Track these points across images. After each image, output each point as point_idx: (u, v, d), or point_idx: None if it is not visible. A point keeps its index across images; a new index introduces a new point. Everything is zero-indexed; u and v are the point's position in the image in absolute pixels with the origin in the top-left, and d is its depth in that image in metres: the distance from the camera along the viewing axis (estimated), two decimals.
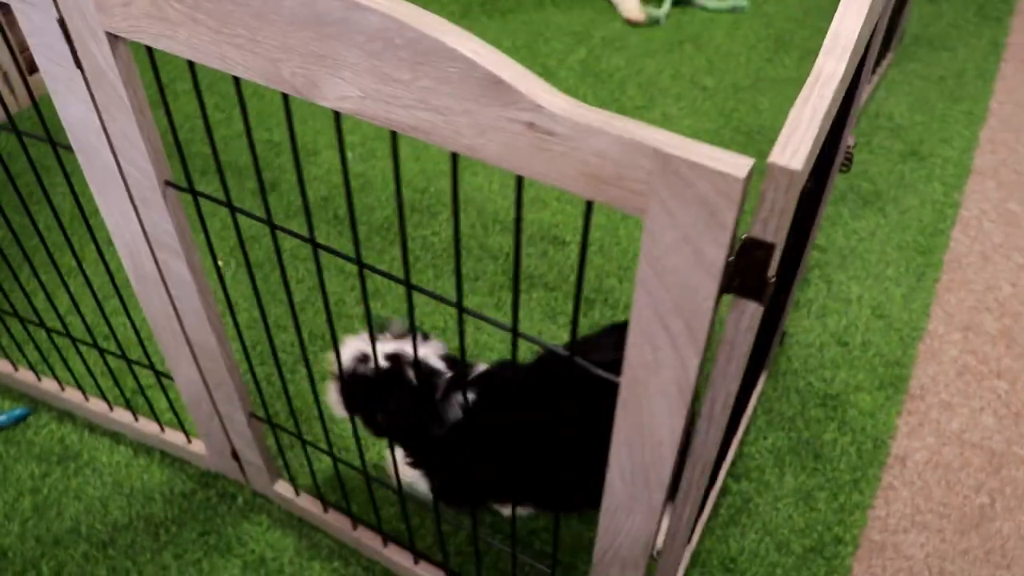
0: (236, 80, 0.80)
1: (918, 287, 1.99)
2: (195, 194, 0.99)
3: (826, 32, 0.81)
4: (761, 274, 0.67)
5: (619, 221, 2.09)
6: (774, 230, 0.65)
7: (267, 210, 0.90)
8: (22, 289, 1.47)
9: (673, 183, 0.62)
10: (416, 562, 1.40)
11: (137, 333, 1.37)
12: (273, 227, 0.93)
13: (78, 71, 0.94)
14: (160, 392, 1.67)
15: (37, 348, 1.59)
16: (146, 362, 1.58)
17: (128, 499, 1.56)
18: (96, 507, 1.55)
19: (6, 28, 2.23)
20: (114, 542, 1.50)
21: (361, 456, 1.20)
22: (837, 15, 0.81)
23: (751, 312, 0.71)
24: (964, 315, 1.95)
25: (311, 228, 0.88)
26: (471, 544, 1.48)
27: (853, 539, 1.52)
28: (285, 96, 0.76)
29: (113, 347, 1.75)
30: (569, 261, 1.98)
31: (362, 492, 1.54)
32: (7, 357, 1.71)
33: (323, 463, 1.59)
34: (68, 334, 1.47)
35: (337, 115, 0.75)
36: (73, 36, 0.90)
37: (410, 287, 0.86)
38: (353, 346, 1.27)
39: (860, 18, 0.79)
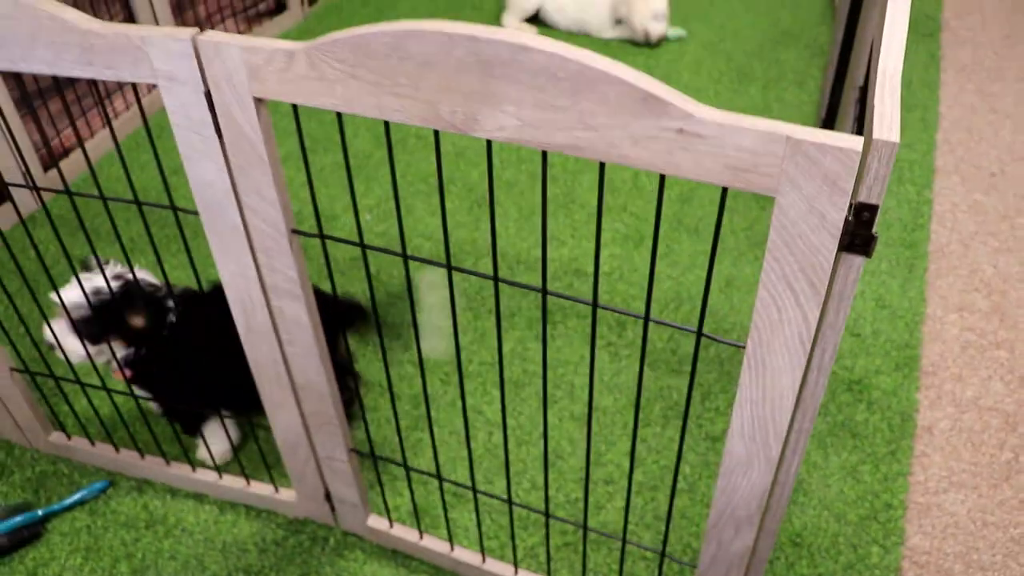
0: (386, 124, 0.93)
1: (911, 277, 2.17)
2: (323, 238, 1.12)
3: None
4: (868, 231, 0.82)
5: (633, 250, 2.25)
6: (878, 193, 0.80)
7: (403, 241, 1.03)
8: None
9: (802, 163, 0.76)
10: (516, 571, 1.50)
11: None
12: (406, 257, 1.06)
13: (216, 137, 1.06)
14: (234, 447, 1.76)
15: (121, 419, 1.67)
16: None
17: (222, 553, 1.64)
18: (193, 564, 1.63)
19: (41, 121, 2.32)
20: None
21: (472, 476, 1.31)
22: (886, 28, 0.97)
23: (857, 266, 0.85)
24: (956, 297, 2.13)
25: (449, 253, 1.01)
26: (567, 546, 1.59)
27: (901, 503, 1.66)
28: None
29: None
30: (592, 290, 2.12)
31: (456, 511, 1.65)
32: (85, 433, 1.79)
33: (418, 490, 1.69)
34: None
35: (489, 143, 0.88)
36: (217, 105, 1.03)
37: (545, 292, 0.99)
38: (74, 290, 1.48)
39: (905, 26, 0.95)
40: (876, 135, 0.77)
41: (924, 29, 3.36)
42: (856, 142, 0.75)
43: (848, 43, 1.98)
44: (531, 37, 0.79)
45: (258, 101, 1.01)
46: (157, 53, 1.00)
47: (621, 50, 3.19)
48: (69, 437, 1.78)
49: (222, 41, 0.96)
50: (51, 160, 2.51)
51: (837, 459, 1.73)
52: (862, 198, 0.80)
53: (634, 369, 1.92)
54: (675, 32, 3.25)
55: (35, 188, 1.27)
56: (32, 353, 1.99)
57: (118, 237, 1.22)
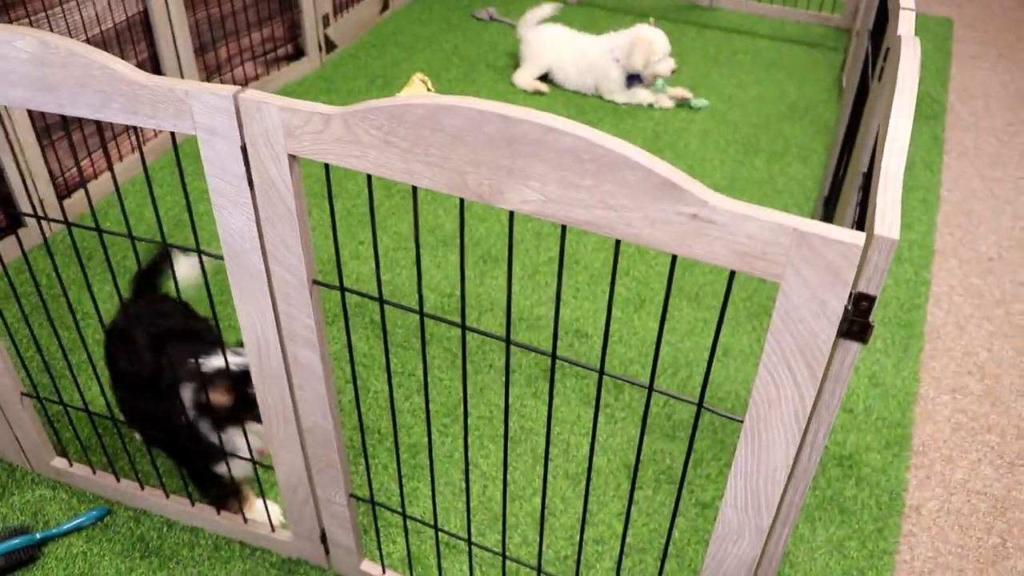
0: (414, 189, 0.98)
1: (906, 356, 2.21)
2: (343, 290, 1.16)
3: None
4: (865, 320, 0.86)
5: (633, 313, 2.29)
6: (876, 285, 0.85)
7: (420, 300, 1.08)
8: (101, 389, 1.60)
9: (807, 253, 0.81)
10: None
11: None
12: (422, 315, 1.10)
13: (248, 188, 1.11)
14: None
15: (125, 449, 1.70)
16: (242, 456, 1.70)
17: None
18: None
19: (50, 157, 2.37)
20: None
21: (468, 526, 1.34)
22: (891, 125, 1.03)
23: (854, 351, 0.90)
24: (950, 379, 2.17)
25: (464, 314, 1.05)
26: None
27: None
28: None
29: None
30: (594, 351, 2.17)
31: (448, 561, 1.67)
32: (87, 460, 1.82)
33: (412, 538, 1.72)
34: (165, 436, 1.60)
35: (511, 214, 0.93)
36: (251, 159, 1.08)
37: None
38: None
39: (909, 125, 1.01)
40: (877, 231, 0.82)
41: (928, 111, 3.44)
42: (858, 237, 0.80)
43: (854, 126, 2.05)
44: (559, 120, 0.85)
45: (291, 158, 1.06)
46: (199, 107, 1.06)
47: (631, 114, 3.27)
48: (71, 463, 1.80)
49: (263, 100, 1.01)
50: (66, 189, 2.57)
51: (824, 533, 1.76)
52: (861, 288, 0.85)
53: (628, 432, 1.95)
54: (698, 102, 3.34)
55: (67, 223, 1.31)
56: (41, 378, 2.02)
57: (138, 259, 1.27)
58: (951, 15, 4.37)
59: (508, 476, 1.86)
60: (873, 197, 0.91)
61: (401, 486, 1.37)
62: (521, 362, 2.13)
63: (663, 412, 2.01)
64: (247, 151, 1.08)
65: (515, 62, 3.60)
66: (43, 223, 2.44)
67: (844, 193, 1.68)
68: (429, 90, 3.31)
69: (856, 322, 0.86)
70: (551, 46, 3.39)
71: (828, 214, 2.15)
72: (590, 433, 1.95)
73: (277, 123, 1.02)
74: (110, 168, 1.22)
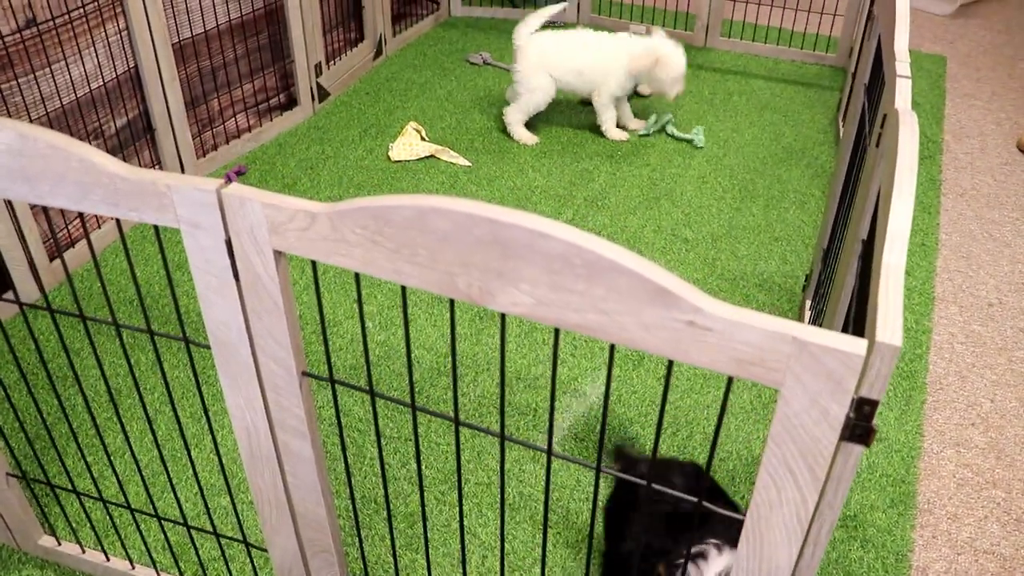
0: (403, 289, 0.96)
1: (908, 409, 2.18)
2: (334, 383, 1.13)
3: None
4: (868, 424, 0.84)
5: (631, 371, 2.27)
6: (879, 390, 0.82)
7: (412, 394, 1.05)
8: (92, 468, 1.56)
9: (807, 361, 0.79)
10: None
11: (233, 511, 1.47)
12: (415, 409, 1.08)
13: (234, 281, 1.09)
14: (229, 560, 1.75)
15: (114, 526, 1.67)
16: (234, 535, 1.67)
17: None
18: None
19: (40, 219, 2.35)
20: None
21: None
22: (891, 215, 1.00)
23: (856, 454, 0.87)
24: (953, 432, 2.14)
25: (456, 414, 1.03)
26: None
27: None
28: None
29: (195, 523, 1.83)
30: (592, 412, 2.14)
31: None
32: (75, 538, 1.78)
33: None
34: (156, 514, 1.56)
35: (503, 316, 0.91)
36: (236, 253, 1.06)
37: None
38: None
39: (909, 218, 0.98)
40: (879, 338, 0.80)
41: (925, 152, 3.43)
42: (860, 346, 0.77)
43: (849, 180, 2.03)
44: (549, 224, 0.82)
45: (277, 253, 1.03)
46: (182, 200, 1.03)
47: (626, 161, 3.25)
48: (59, 542, 1.77)
49: (246, 196, 0.99)
50: (56, 251, 2.54)
51: None
52: (863, 394, 0.82)
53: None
54: (699, 140, 3.34)
55: (49, 309, 1.29)
56: (26, 451, 1.99)
57: (126, 355, 1.24)
58: (944, 52, 4.37)
59: (509, 546, 1.82)
60: (874, 297, 0.88)
61: (396, 564, 1.34)
62: (519, 425, 2.09)
63: None
64: (231, 244, 1.05)
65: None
66: (24, 292, 2.41)
67: (844, 256, 1.66)
68: (423, 139, 3.30)
69: (859, 426, 0.84)
70: (550, 55, 3.25)
71: (826, 268, 2.12)
72: (590, 498, 1.92)
73: (261, 219, 1.00)
74: (88, 238, 1.20)
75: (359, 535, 1.32)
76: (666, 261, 2.69)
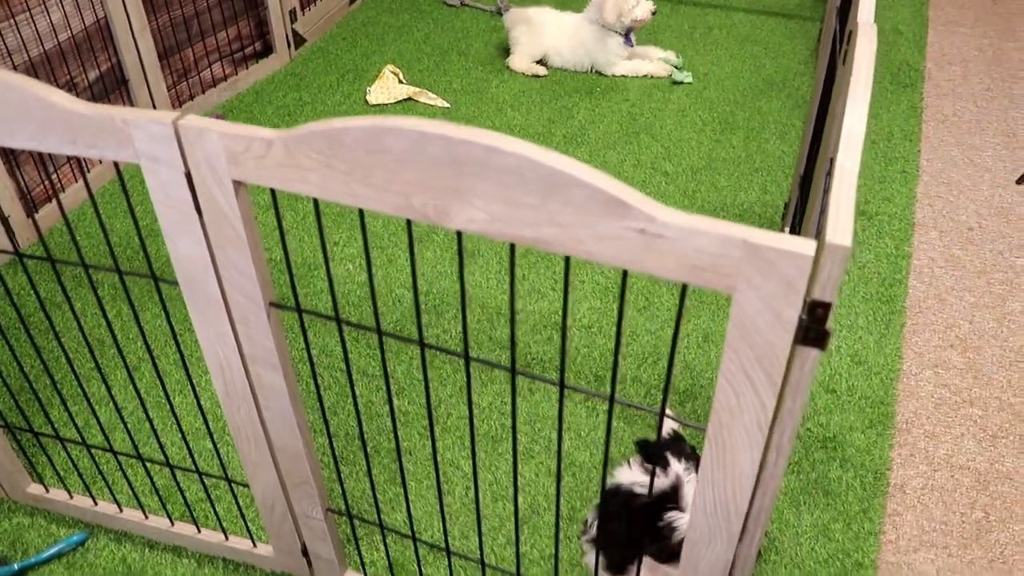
0: (361, 212, 0.96)
1: (887, 333, 2.20)
2: (300, 311, 1.14)
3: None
4: (821, 327, 0.85)
5: (613, 303, 2.28)
6: (831, 292, 0.83)
7: (377, 319, 1.06)
8: (74, 411, 1.57)
9: (759, 265, 0.79)
10: None
11: (212, 450, 1.49)
12: (380, 333, 1.08)
13: (196, 214, 1.09)
14: (215, 500, 1.77)
15: (100, 473, 1.68)
16: (216, 473, 1.68)
17: None
18: None
19: (18, 171, 2.35)
20: None
21: (445, 534, 1.33)
22: (845, 120, 1.00)
23: (812, 358, 0.88)
24: (932, 354, 2.16)
25: (421, 331, 1.03)
26: None
27: (872, 563, 1.68)
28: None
29: (176, 464, 1.85)
30: (573, 344, 2.15)
31: (430, 567, 1.66)
32: (63, 485, 1.80)
33: (394, 545, 1.71)
34: (138, 454, 1.58)
35: (459, 235, 0.91)
36: (197, 186, 1.06)
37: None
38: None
39: (863, 122, 0.98)
40: (829, 239, 0.80)
41: (906, 79, 3.41)
42: (809, 247, 0.78)
43: (824, 104, 2.03)
44: (502, 139, 0.82)
45: (237, 183, 1.03)
46: (140, 135, 1.03)
47: (605, 97, 3.23)
48: (47, 489, 1.79)
49: (203, 127, 0.99)
50: (32, 207, 2.54)
51: (809, 517, 1.76)
52: (816, 296, 0.83)
53: (612, 425, 1.94)
54: (681, 76, 3.32)
55: (17, 254, 1.29)
56: (10, 403, 2.00)
57: (98, 300, 1.25)
58: None
59: (492, 476, 1.84)
60: (828, 201, 0.88)
61: (376, 498, 1.36)
62: (501, 359, 2.11)
63: (645, 401, 2.00)
64: (191, 177, 1.05)
65: (488, 49, 3.56)
66: (8, 241, 2.41)
67: (816, 176, 1.66)
68: (401, 82, 3.27)
69: (813, 329, 0.85)
70: (546, 29, 3.36)
71: (804, 195, 2.13)
72: (571, 429, 1.94)
73: (219, 149, 1.00)
74: (57, 197, 1.19)
75: (337, 468, 1.34)
76: (646, 194, 2.68)
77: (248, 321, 1.19)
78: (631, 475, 1.42)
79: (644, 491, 1.39)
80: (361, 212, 0.96)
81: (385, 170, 0.90)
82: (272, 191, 1.02)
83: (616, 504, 1.42)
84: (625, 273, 0.86)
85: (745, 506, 1.01)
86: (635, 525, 1.37)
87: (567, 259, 0.87)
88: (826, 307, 0.83)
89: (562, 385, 0.99)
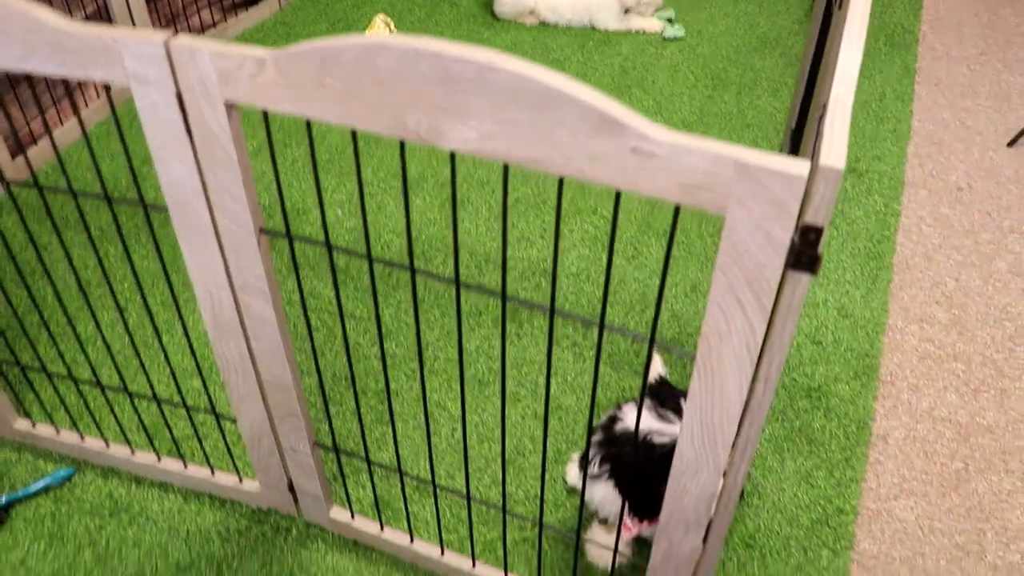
0: (354, 132, 0.95)
1: (874, 288, 2.21)
2: (291, 238, 1.14)
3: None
4: (813, 251, 0.85)
5: (601, 252, 2.28)
6: (823, 216, 0.83)
7: (368, 243, 1.06)
8: (59, 346, 1.57)
9: (750, 185, 0.79)
10: (474, 565, 1.53)
11: (201, 384, 1.49)
12: (371, 260, 1.08)
13: (187, 137, 1.08)
14: (202, 437, 1.78)
15: (87, 408, 1.69)
16: (204, 407, 1.69)
17: (186, 542, 1.66)
18: (157, 552, 1.64)
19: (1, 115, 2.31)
20: None
21: (432, 471, 1.34)
22: (841, 52, 1.00)
23: (803, 283, 0.88)
24: (918, 309, 2.17)
25: (412, 257, 1.03)
26: (524, 542, 1.62)
27: (852, 509, 1.70)
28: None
29: (162, 398, 1.85)
30: (562, 291, 2.15)
31: (416, 504, 1.67)
32: (50, 420, 1.80)
33: (381, 483, 1.72)
34: (126, 389, 1.58)
35: (452, 154, 0.91)
36: (188, 107, 1.05)
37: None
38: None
39: (859, 53, 0.98)
40: (823, 161, 0.80)
41: (900, 41, 3.41)
42: (802, 168, 0.78)
43: (819, 56, 2.02)
44: (495, 56, 0.82)
45: (229, 105, 1.02)
46: (130, 55, 1.02)
47: (598, 51, 3.21)
48: (34, 425, 1.79)
49: (194, 46, 0.98)
50: (19, 147, 2.51)
51: (793, 464, 1.78)
52: (808, 220, 0.83)
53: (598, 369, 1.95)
54: (672, 32, 3.30)
55: (3, 180, 1.28)
56: None
57: (87, 230, 1.24)
58: None
59: (478, 418, 1.85)
60: (822, 126, 0.88)
61: (363, 432, 1.37)
62: (488, 304, 2.11)
63: (631, 349, 2.00)
64: (183, 99, 1.04)
65: (479, 1, 3.53)
66: None
67: (808, 123, 1.66)
68: (391, 32, 3.24)
69: (804, 253, 0.85)
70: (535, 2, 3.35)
71: (795, 147, 2.13)
72: (557, 373, 1.95)
73: (210, 69, 0.99)
74: (45, 123, 1.18)
75: (325, 403, 1.34)
76: None
77: (238, 248, 1.18)
78: (648, 421, 1.41)
79: (663, 440, 1.38)
80: (354, 134, 0.95)
81: (378, 89, 0.89)
82: (264, 114, 1.01)
83: (639, 451, 1.40)
84: (618, 195, 0.86)
85: (732, 435, 1.02)
86: (656, 472, 1.36)
87: (560, 181, 0.87)
88: (818, 232, 0.84)
89: (552, 310, 1.00)
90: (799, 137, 2.13)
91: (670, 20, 3.39)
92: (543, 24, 3.40)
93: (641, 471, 1.38)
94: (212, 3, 3.22)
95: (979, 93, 3.12)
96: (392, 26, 3.26)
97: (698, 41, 3.30)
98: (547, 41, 3.27)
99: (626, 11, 3.35)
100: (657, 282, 2.19)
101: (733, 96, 2.96)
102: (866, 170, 2.63)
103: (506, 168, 0.89)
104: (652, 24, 3.34)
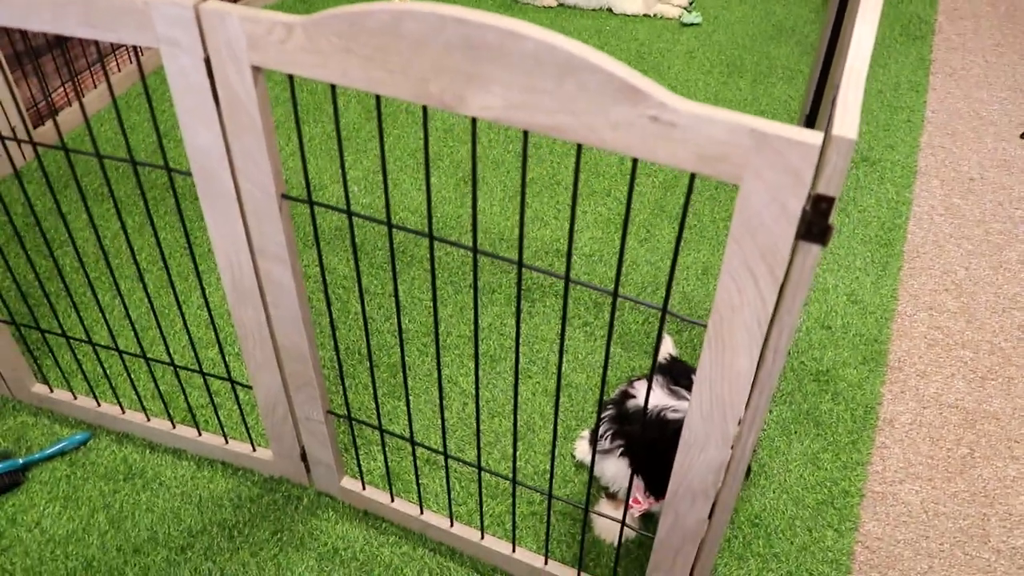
0: (378, 98, 0.97)
1: (884, 275, 2.22)
2: (312, 204, 1.16)
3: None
4: (825, 222, 0.86)
5: (614, 233, 2.30)
6: (836, 186, 0.85)
7: (388, 210, 1.08)
8: (81, 311, 1.60)
9: (767, 155, 0.81)
10: (482, 537, 1.56)
11: (220, 350, 1.51)
12: (390, 226, 1.10)
13: (213, 102, 1.10)
14: (217, 405, 1.80)
15: (105, 374, 1.71)
16: (220, 375, 1.72)
17: (198, 507, 1.69)
18: (169, 517, 1.67)
19: (13, 86, 2.34)
20: (192, 546, 1.63)
21: (444, 442, 1.36)
22: (855, 26, 1.01)
23: (814, 254, 0.90)
24: (927, 297, 2.18)
25: (431, 223, 1.05)
26: (533, 515, 1.64)
27: (858, 491, 1.72)
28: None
29: (180, 363, 1.88)
30: (573, 271, 2.17)
31: (427, 476, 1.70)
32: (67, 386, 1.83)
33: (392, 455, 1.74)
34: (144, 355, 1.61)
35: (474, 121, 0.93)
36: (216, 71, 1.07)
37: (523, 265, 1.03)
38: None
39: (873, 28, 1.00)
40: (836, 131, 0.82)
41: (916, 32, 3.40)
42: (816, 137, 0.79)
43: (834, 41, 2.03)
44: (520, 24, 0.83)
45: (256, 70, 1.04)
46: (160, 18, 1.04)
47: (614, 35, 3.22)
48: (51, 389, 1.82)
49: (224, 10, 1.00)
50: (39, 118, 2.54)
51: (800, 446, 1.79)
52: (821, 190, 0.85)
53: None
54: (690, 18, 3.31)
55: (32, 142, 1.30)
56: (19, 307, 2.02)
57: (112, 195, 1.26)
58: None
59: (489, 393, 1.88)
60: (840, 97, 0.90)
61: (376, 401, 1.39)
62: (502, 282, 2.13)
63: (642, 330, 2.02)
64: (211, 63, 1.06)
65: None
66: (14, 151, 2.41)
67: (823, 107, 1.67)
68: None
69: (816, 223, 0.87)
70: None
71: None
72: (568, 351, 1.97)
73: (239, 33, 1.01)
74: (76, 89, 1.20)
75: (340, 373, 1.36)
76: None
77: (259, 214, 1.20)
78: (661, 397, 1.43)
79: (677, 415, 1.40)
80: (378, 99, 0.97)
81: (403, 55, 0.91)
82: (290, 78, 1.03)
83: (651, 427, 1.42)
84: (635, 162, 0.88)
85: (741, 407, 1.04)
86: (671, 448, 1.38)
87: (579, 148, 0.89)
88: (830, 202, 0.85)
89: (567, 280, 1.02)
90: (812, 123, 2.14)
91: (687, 8, 3.40)
92: (561, 6, 3.41)
93: (655, 447, 1.40)
94: None
95: (994, 84, 3.11)
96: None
97: (714, 28, 3.31)
98: (564, 24, 3.28)
99: None
100: (668, 263, 2.21)
101: (748, 83, 2.97)
102: (879, 159, 2.64)
103: (525, 136, 0.91)
104: (670, 10, 3.35)
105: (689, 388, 1.42)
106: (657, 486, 1.45)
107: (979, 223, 2.45)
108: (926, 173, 2.63)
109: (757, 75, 3.02)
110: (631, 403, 1.47)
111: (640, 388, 1.48)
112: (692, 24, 3.32)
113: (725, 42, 3.22)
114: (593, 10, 3.40)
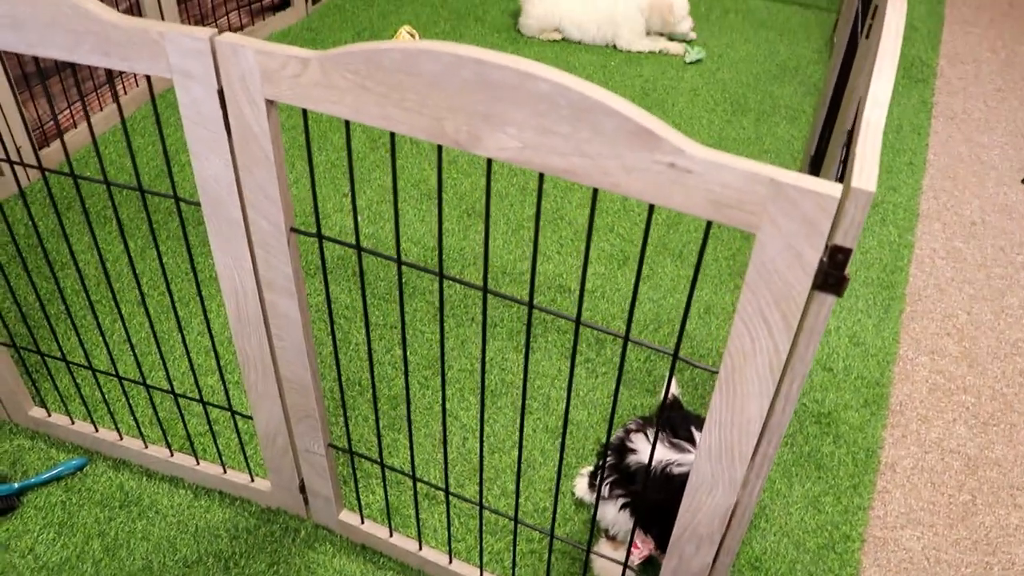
0: (392, 135, 0.97)
1: (886, 317, 2.22)
2: (321, 238, 1.15)
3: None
4: (841, 272, 0.86)
5: (617, 270, 2.29)
6: (853, 237, 0.84)
7: (398, 246, 1.07)
8: (83, 339, 1.59)
9: (783, 204, 0.81)
10: (481, 574, 1.54)
11: (221, 382, 1.50)
12: (400, 263, 1.10)
13: (225, 133, 1.10)
14: (216, 434, 1.79)
15: (103, 399, 1.70)
16: (220, 404, 1.70)
17: (194, 537, 1.67)
18: (164, 546, 1.65)
19: (29, 108, 2.35)
20: None
21: (446, 477, 1.35)
22: (873, 79, 1.02)
23: (828, 304, 0.90)
24: (929, 340, 2.18)
25: (441, 261, 1.05)
26: (532, 554, 1.63)
27: (859, 536, 1.70)
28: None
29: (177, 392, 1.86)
30: (575, 306, 2.17)
31: (426, 512, 1.68)
32: (65, 410, 1.81)
33: (391, 489, 1.73)
34: (143, 381, 1.60)
35: (489, 162, 0.92)
36: (229, 103, 1.07)
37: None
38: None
39: (890, 81, 1.00)
40: (855, 183, 0.82)
41: (918, 75, 3.43)
42: (835, 188, 0.79)
43: (841, 85, 2.04)
44: (536, 65, 0.83)
45: (269, 103, 1.04)
46: (174, 49, 1.04)
47: (619, 72, 3.24)
48: (49, 413, 1.80)
49: (239, 43, 1.00)
50: (44, 139, 2.54)
51: (801, 489, 1.78)
52: (838, 241, 0.84)
53: (609, 386, 1.96)
54: (693, 55, 3.34)
55: (40, 168, 1.30)
56: (18, 329, 2.01)
57: (118, 220, 1.26)
58: None
59: (489, 429, 1.86)
60: (853, 149, 0.90)
61: (379, 435, 1.38)
62: (503, 316, 2.13)
63: (643, 368, 2.02)
64: (224, 95, 1.06)
65: (505, 17, 3.56)
66: (19, 171, 2.41)
67: (830, 151, 1.68)
68: None
69: (832, 274, 0.86)
70: (559, 13, 3.39)
71: (814, 174, 2.14)
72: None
73: (254, 67, 1.01)
74: (85, 113, 1.20)
75: (343, 406, 1.36)
76: None
77: (268, 246, 1.20)
78: (663, 452, 1.41)
79: (683, 469, 1.38)
80: (392, 137, 0.97)
81: (419, 93, 0.91)
82: (304, 112, 1.03)
83: (656, 485, 1.40)
84: (651, 208, 0.87)
85: (750, 452, 1.03)
86: (678, 503, 1.37)
87: (594, 192, 0.89)
88: (846, 253, 0.85)
89: (578, 322, 1.01)
90: (818, 164, 2.14)
91: (690, 44, 3.43)
92: (565, 40, 3.43)
93: (662, 506, 1.38)
94: (241, 6, 3.26)
95: (995, 129, 3.13)
96: (417, 38, 3.29)
97: (718, 65, 3.33)
98: (569, 58, 3.30)
99: (648, 33, 3.40)
100: (671, 302, 2.21)
101: (752, 122, 2.98)
102: (881, 201, 2.64)
103: (541, 177, 0.91)
104: (674, 46, 3.38)
105: (689, 439, 1.41)
106: (665, 541, 1.43)
107: (981, 267, 2.45)
108: (928, 216, 2.64)
109: (761, 114, 3.03)
110: (632, 459, 1.45)
111: (638, 441, 1.46)
112: (696, 61, 3.34)
113: (729, 80, 3.24)
114: (598, 46, 3.42)
